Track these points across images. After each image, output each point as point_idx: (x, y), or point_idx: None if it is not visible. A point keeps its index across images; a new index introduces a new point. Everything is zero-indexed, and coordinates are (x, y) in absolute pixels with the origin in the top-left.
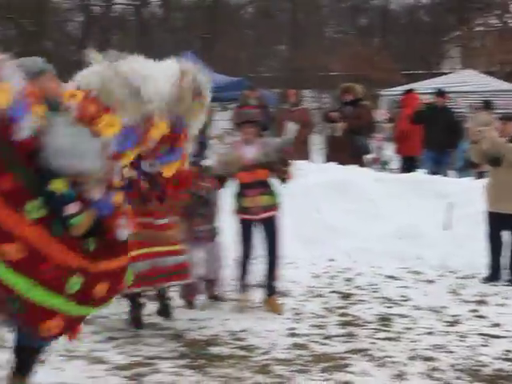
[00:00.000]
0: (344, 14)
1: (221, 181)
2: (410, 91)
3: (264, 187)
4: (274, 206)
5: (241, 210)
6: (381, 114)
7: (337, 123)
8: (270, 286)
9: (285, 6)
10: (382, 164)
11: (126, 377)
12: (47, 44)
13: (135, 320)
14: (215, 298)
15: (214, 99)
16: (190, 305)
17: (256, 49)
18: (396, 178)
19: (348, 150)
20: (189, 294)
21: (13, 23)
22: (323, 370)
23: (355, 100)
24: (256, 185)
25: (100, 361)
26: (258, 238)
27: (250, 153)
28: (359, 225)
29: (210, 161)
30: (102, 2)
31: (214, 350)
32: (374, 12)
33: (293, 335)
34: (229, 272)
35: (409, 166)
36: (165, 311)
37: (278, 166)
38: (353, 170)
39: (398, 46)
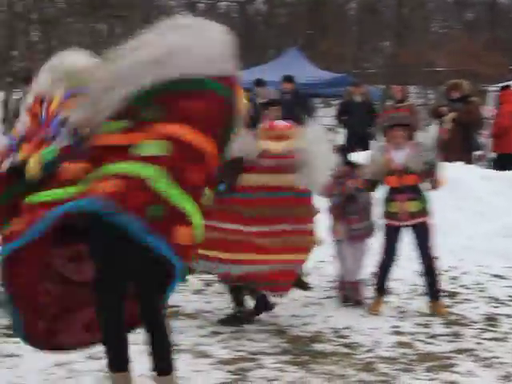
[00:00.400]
0: (450, 9)
1: (372, 184)
2: (507, 87)
3: (412, 193)
4: (422, 213)
5: (388, 214)
6: (488, 110)
7: (445, 116)
8: (431, 291)
9: (389, 1)
10: (488, 161)
11: (229, 371)
12: None
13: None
14: (353, 301)
15: (317, 95)
16: (358, 303)
17: (360, 45)
18: (502, 175)
19: (457, 146)
20: (354, 293)
21: (121, 21)
22: (428, 370)
23: (463, 97)
24: (404, 190)
25: (204, 355)
26: (404, 243)
27: (399, 157)
28: (465, 223)
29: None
30: None
31: (318, 346)
32: (481, 6)
33: (397, 333)
34: (368, 274)
35: (505, 163)
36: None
37: (427, 173)
38: (459, 167)
39: (506, 41)
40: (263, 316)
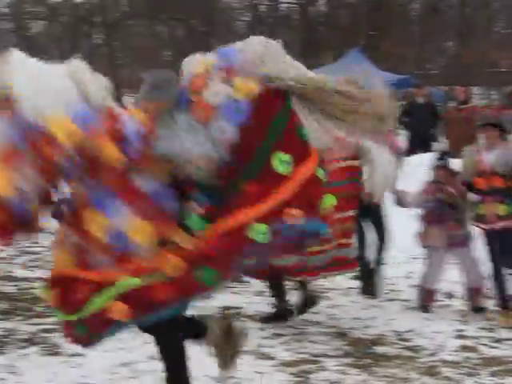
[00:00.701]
0: None
1: (469, 186)
2: None
3: (501, 195)
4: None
5: (478, 217)
6: None
7: None
8: (503, 298)
9: (452, 1)
10: None
11: (292, 373)
12: (216, 44)
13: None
14: (480, 309)
15: None
16: (425, 309)
17: (423, 45)
18: None
19: None
20: (426, 299)
21: (182, 24)
22: (493, 374)
23: None
24: (492, 192)
25: (267, 356)
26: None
27: (489, 158)
28: None
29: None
30: (268, 1)
31: (380, 349)
32: None
33: (461, 337)
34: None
35: None
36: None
37: None
38: None
39: None
40: (324, 318)
